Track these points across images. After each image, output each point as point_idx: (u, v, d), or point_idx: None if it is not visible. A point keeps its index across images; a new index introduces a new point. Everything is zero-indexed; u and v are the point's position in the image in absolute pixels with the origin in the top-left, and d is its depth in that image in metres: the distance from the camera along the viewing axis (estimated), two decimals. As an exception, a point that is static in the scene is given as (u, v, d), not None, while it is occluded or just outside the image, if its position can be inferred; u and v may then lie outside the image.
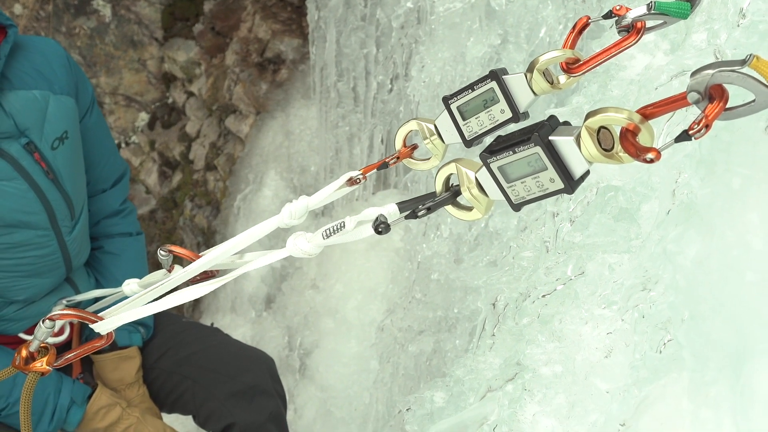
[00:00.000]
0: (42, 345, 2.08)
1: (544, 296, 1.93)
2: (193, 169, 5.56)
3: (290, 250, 1.61)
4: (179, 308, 5.08)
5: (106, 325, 1.92)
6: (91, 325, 1.93)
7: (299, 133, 4.90)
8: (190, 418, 2.98)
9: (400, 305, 3.72)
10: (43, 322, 2.02)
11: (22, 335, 2.59)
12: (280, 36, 4.93)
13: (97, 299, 2.28)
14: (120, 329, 2.33)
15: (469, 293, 2.77)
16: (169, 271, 1.96)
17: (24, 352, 2.08)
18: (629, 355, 1.57)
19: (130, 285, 2.06)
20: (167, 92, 5.64)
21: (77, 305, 2.44)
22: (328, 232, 1.56)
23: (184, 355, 2.88)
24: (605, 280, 1.74)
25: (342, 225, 1.55)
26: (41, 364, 2.05)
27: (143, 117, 5.70)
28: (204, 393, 2.82)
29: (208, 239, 5.38)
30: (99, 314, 1.98)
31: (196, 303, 5.58)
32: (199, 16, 5.36)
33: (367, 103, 4.31)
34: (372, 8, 4.03)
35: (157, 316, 2.87)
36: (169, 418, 3.06)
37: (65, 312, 2.00)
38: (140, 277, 2.09)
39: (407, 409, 2.41)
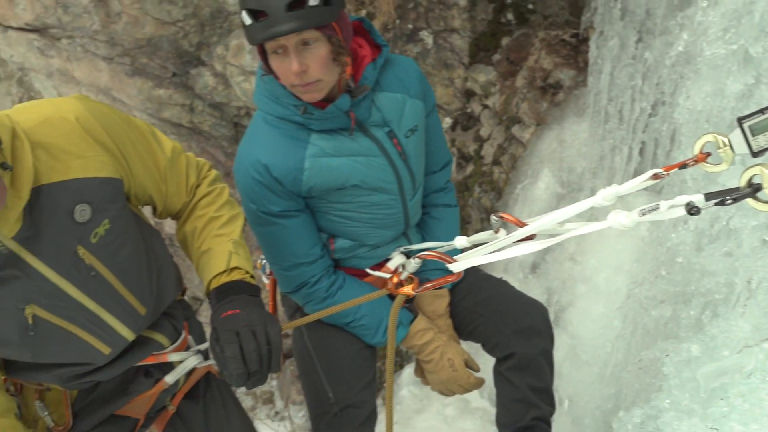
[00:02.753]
0: (409, 276, 2.45)
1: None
2: (483, 163, 5.78)
3: (611, 222, 1.68)
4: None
5: (459, 265, 2.13)
6: (448, 265, 2.16)
7: (570, 142, 5.05)
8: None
9: (647, 279, 3.77)
10: (413, 259, 2.39)
11: (369, 270, 2.79)
12: (560, 67, 5.18)
13: (426, 250, 2.49)
14: (437, 275, 2.57)
15: (705, 276, 2.84)
16: (496, 232, 2.14)
17: (395, 279, 2.42)
18: None
19: (461, 240, 2.30)
20: (467, 104, 5.90)
21: (409, 252, 2.79)
22: (643, 211, 1.63)
23: (481, 299, 3.02)
24: None
25: (656, 207, 1.61)
26: (408, 290, 2.39)
27: (447, 121, 6.03)
28: (493, 328, 2.96)
29: (490, 217, 5.12)
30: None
31: (478, 263, 5.80)
32: (497, 48, 5.64)
33: (630, 123, 4.44)
34: (641, 50, 4.21)
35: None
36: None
37: (429, 252, 2.27)
38: (453, 238, 2.33)
39: (666, 355, 2.46)
